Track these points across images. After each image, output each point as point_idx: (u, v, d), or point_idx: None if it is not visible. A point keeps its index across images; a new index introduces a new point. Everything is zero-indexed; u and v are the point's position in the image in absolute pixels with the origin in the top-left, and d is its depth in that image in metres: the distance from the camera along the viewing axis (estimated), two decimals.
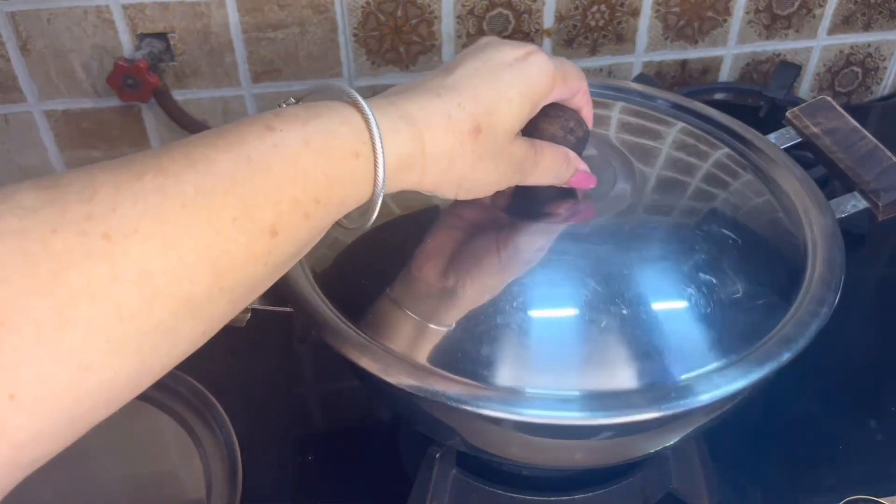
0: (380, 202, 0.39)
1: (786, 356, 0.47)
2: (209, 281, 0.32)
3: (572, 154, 0.49)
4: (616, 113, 0.65)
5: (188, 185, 0.32)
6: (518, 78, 0.44)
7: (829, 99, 0.65)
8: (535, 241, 0.49)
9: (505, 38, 0.48)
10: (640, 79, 0.94)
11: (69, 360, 0.29)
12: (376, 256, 0.53)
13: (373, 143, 0.37)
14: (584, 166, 0.50)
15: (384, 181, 0.38)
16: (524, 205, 0.50)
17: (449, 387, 0.45)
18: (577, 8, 0.91)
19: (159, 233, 0.31)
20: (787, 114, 0.65)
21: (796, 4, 0.96)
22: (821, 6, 0.97)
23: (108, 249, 0.29)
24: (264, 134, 0.35)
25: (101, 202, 0.30)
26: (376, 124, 0.37)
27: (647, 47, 0.96)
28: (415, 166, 0.40)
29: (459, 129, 0.41)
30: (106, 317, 0.29)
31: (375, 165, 0.37)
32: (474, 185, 0.44)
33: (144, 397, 0.69)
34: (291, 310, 0.53)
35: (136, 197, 0.31)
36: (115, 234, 0.30)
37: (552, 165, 0.47)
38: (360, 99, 0.38)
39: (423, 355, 0.47)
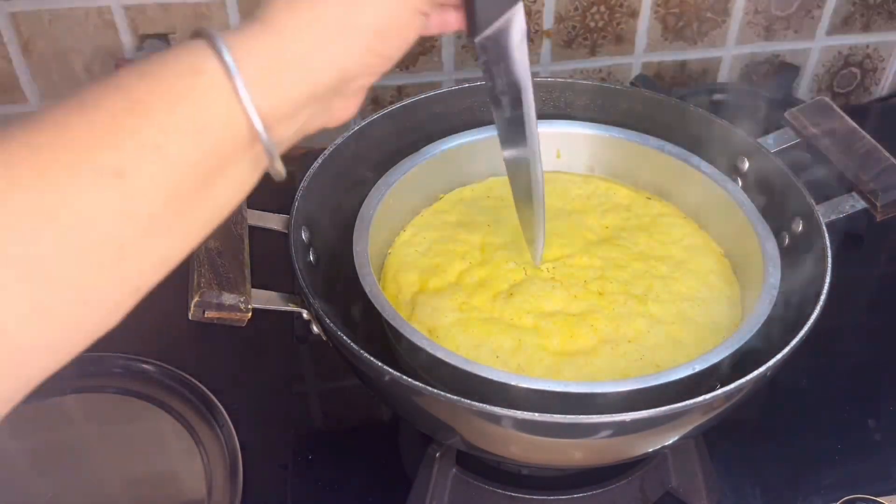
0: (271, 131, 0.35)
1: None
2: (55, 240, 0.30)
3: None
4: None
5: (15, 144, 0.30)
6: None
7: (828, 100, 0.65)
8: None
9: None
10: (640, 79, 0.94)
11: None
12: None
13: (217, 54, 0.33)
14: None
15: (246, 90, 0.33)
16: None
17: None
18: (576, 9, 0.91)
19: None
20: (786, 114, 0.65)
21: (795, 5, 0.97)
22: (819, 7, 0.97)
23: None
24: (102, 80, 0.33)
25: None
26: (218, 35, 0.34)
27: (646, 48, 0.96)
28: (285, 59, 0.35)
29: None
30: None
31: (230, 77, 0.33)
32: (380, 27, 0.37)
33: (145, 397, 0.69)
34: (292, 310, 0.54)
35: None
36: None
37: None
38: (208, 28, 0.34)
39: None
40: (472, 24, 0.43)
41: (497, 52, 0.45)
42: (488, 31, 0.44)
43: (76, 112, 0.31)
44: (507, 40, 0.45)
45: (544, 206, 0.56)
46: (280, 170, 0.37)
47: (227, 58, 0.33)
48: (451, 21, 0.43)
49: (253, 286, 0.51)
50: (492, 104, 0.49)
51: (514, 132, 0.51)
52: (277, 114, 0.35)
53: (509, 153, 0.53)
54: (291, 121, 0.37)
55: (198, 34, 0.34)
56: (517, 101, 0.49)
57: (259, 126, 0.34)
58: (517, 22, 0.45)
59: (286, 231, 0.57)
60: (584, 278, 0.60)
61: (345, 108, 0.41)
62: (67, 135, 0.31)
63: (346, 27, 0.36)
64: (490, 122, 0.69)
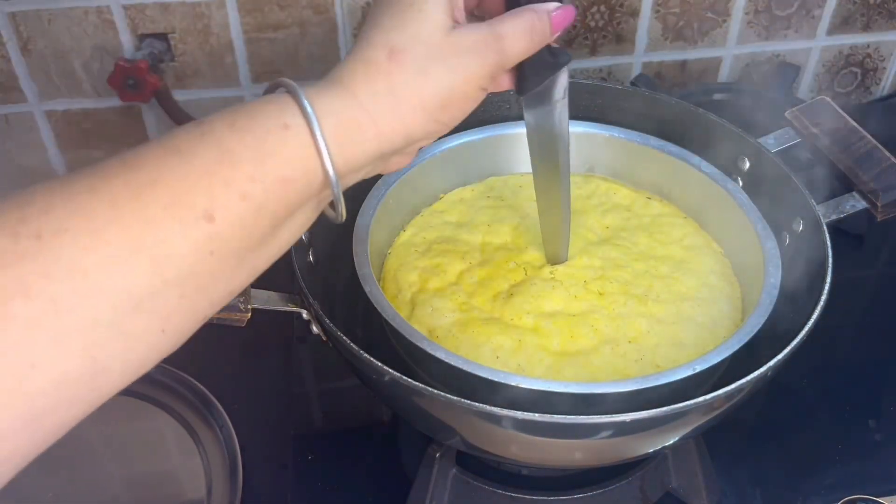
0: (340, 181, 0.38)
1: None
2: (147, 273, 0.33)
3: (537, 5, 0.44)
4: None
5: (117, 180, 0.33)
6: None
7: (829, 99, 0.65)
8: None
9: None
10: (640, 79, 0.94)
11: (13, 357, 0.30)
12: None
13: (303, 112, 0.37)
14: (553, 5, 0.44)
15: (326, 146, 0.37)
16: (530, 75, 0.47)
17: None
18: (576, 8, 0.91)
19: (88, 229, 0.31)
20: (787, 114, 0.65)
21: (795, 5, 0.96)
22: (820, 7, 0.97)
23: (39, 248, 0.30)
24: (193, 128, 0.36)
25: (34, 206, 0.31)
26: (302, 93, 0.37)
27: (646, 48, 0.96)
28: (360, 121, 0.38)
29: (376, 63, 0.39)
30: (43, 313, 0.30)
31: (312, 134, 0.37)
32: (442, 100, 0.40)
33: (145, 397, 0.69)
34: (291, 310, 0.53)
35: (67, 199, 0.32)
36: (45, 234, 0.31)
37: (519, 27, 0.43)
38: (290, 81, 0.38)
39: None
40: (522, 85, 0.47)
41: (540, 107, 0.50)
42: (535, 90, 0.48)
43: (173, 157, 0.34)
44: (550, 97, 0.50)
45: (569, 218, 0.59)
46: (343, 214, 0.40)
47: (315, 124, 0.37)
48: (503, 83, 0.47)
49: (253, 286, 0.51)
50: (530, 148, 0.54)
51: (548, 173, 0.56)
52: (348, 167, 0.39)
53: (541, 186, 0.57)
54: (358, 172, 0.41)
55: (279, 86, 0.38)
56: (554, 150, 0.53)
57: (334, 181, 0.38)
58: (561, 81, 0.49)
59: None
60: (585, 278, 0.60)
61: (400, 162, 0.44)
62: (165, 178, 0.34)
63: (415, 99, 0.40)
64: (490, 122, 0.69)
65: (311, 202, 0.39)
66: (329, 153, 0.37)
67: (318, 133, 0.37)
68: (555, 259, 0.61)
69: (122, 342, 0.33)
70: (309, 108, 0.37)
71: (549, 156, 0.54)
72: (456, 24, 0.41)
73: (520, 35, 0.43)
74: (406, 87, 0.39)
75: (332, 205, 0.40)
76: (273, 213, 0.37)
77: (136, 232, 0.32)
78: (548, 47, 0.46)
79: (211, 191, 0.34)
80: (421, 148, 0.44)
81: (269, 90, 0.39)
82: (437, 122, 0.41)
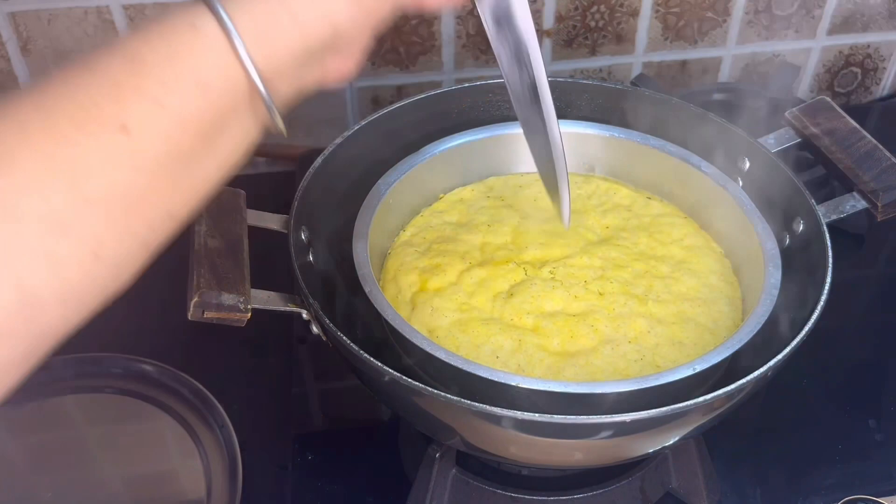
0: (270, 86, 0.36)
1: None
2: (66, 192, 0.32)
3: None
4: None
5: (26, 102, 0.32)
6: None
7: (829, 99, 0.65)
8: None
9: None
10: (640, 79, 0.94)
11: None
12: None
13: (211, 9, 0.35)
14: None
15: (240, 40, 0.35)
16: None
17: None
18: (576, 8, 0.91)
19: (2, 154, 0.31)
20: (787, 114, 0.65)
21: (796, 5, 0.96)
22: (820, 7, 0.97)
23: None
24: (104, 46, 0.35)
25: None
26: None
27: (646, 48, 0.96)
28: (276, 13, 0.36)
29: None
30: None
31: (224, 29, 0.35)
32: None
33: (145, 397, 0.69)
34: (291, 310, 0.53)
35: None
36: None
37: None
38: None
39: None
40: None
41: (498, 9, 0.46)
42: None
43: (81, 73, 0.33)
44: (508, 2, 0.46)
45: (566, 163, 0.54)
46: (281, 126, 0.38)
47: (224, 15, 0.35)
48: None
49: (252, 286, 0.51)
50: (500, 66, 0.49)
51: (526, 94, 0.50)
52: (274, 68, 0.36)
53: (524, 115, 0.52)
54: (288, 76, 0.38)
55: None
56: (525, 62, 0.48)
57: (257, 79, 0.36)
58: None
59: (286, 231, 0.57)
60: (585, 278, 0.60)
61: (340, 67, 0.41)
62: (74, 94, 0.32)
63: None
64: (490, 122, 0.69)
65: (244, 113, 0.37)
66: (245, 49, 0.35)
67: (228, 25, 0.35)
68: (560, 209, 0.57)
69: (51, 269, 0.32)
70: (220, 7, 0.35)
71: (521, 72, 0.49)
72: None
73: None
74: None
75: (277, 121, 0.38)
76: (198, 122, 0.35)
77: (48, 152, 0.31)
78: None
79: (122, 101, 0.33)
80: (356, 46, 0.41)
81: None
82: (363, 7, 0.39)
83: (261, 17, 0.36)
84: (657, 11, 0.93)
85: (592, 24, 0.93)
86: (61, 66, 0.34)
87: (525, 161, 0.71)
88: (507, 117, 0.71)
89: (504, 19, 0.46)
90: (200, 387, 0.68)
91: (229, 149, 0.37)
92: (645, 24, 0.94)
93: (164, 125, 0.34)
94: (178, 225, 0.37)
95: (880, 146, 0.62)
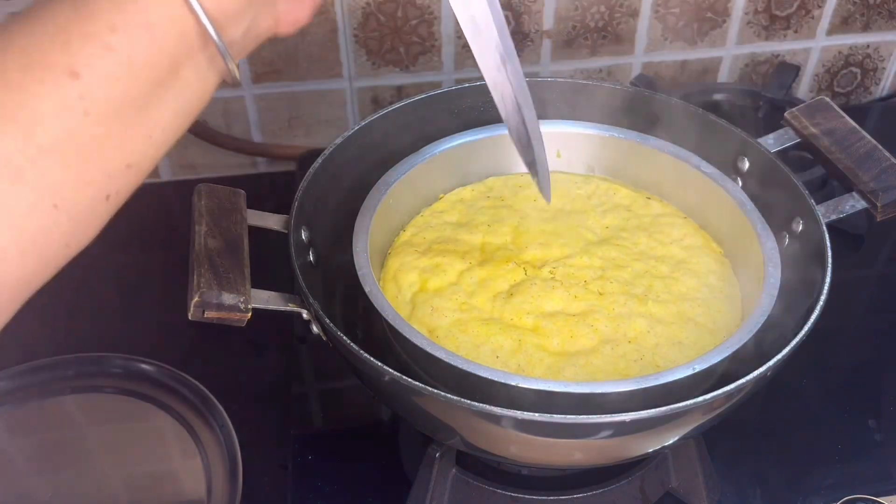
0: (222, 32, 0.36)
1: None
2: (18, 139, 0.31)
3: None
4: None
5: None
6: None
7: (828, 99, 0.65)
8: None
9: None
10: (640, 79, 0.94)
11: None
12: None
13: None
14: None
15: None
16: None
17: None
18: (576, 9, 0.91)
19: None
20: (786, 114, 0.65)
21: (795, 5, 0.96)
22: (819, 7, 0.97)
23: None
24: None
25: None
26: None
27: (646, 48, 0.96)
28: None
29: None
30: None
31: None
32: None
33: (145, 397, 0.69)
34: (291, 310, 0.53)
35: None
36: None
37: None
38: None
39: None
40: None
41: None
42: None
43: (28, 21, 0.33)
44: None
45: (539, 130, 0.51)
46: (234, 72, 0.38)
47: None
48: None
49: (253, 286, 0.51)
50: (469, 40, 0.45)
51: (493, 59, 0.47)
52: (223, 11, 0.36)
53: (493, 80, 0.48)
54: (238, 19, 0.37)
55: None
56: (486, 21, 0.44)
57: (206, 21, 0.35)
58: None
59: (286, 231, 0.57)
60: (584, 278, 0.60)
61: (292, 12, 0.41)
62: (21, 41, 0.32)
63: None
64: (490, 122, 0.69)
65: (198, 58, 0.37)
66: None
67: None
68: (540, 185, 0.54)
69: (6, 217, 0.31)
70: None
71: (486, 38, 0.45)
72: None
73: None
74: None
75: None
76: (148, 66, 0.34)
77: None
78: None
79: (69, 46, 0.33)
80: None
81: None
82: None
83: None
84: (657, 11, 0.93)
85: (592, 24, 0.93)
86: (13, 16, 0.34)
87: None
88: None
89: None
90: (200, 387, 0.68)
91: (185, 96, 0.37)
92: (645, 25, 0.94)
93: (113, 69, 0.33)
94: (140, 176, 0.36)
95: (880, 146, 0.62)
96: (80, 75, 0.32)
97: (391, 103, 0.68)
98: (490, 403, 0.45)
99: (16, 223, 0.32)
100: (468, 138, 0.68)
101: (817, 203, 0.59)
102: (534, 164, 0.53)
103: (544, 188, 0.55)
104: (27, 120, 0.31)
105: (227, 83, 0.39)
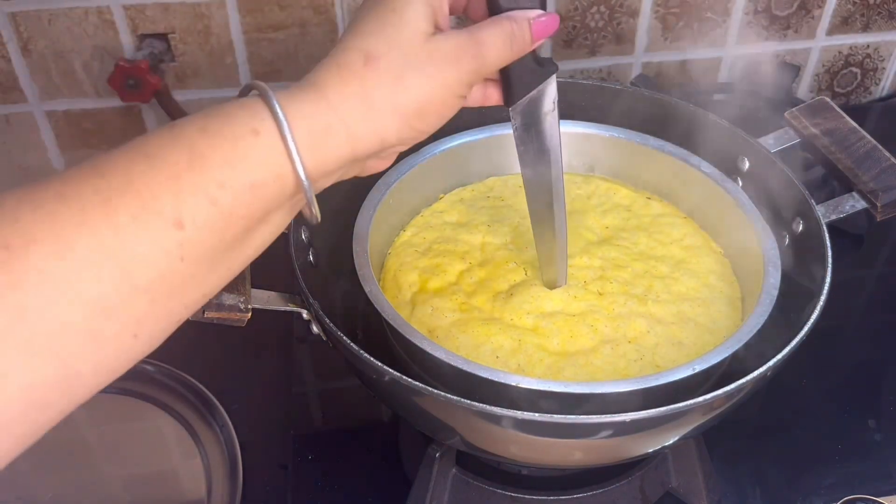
0: (314, 184, 0.38)
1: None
2: (117, 280, 0.33)
3: (517, 12, 0.43)
4: None
5: (86, 187, 0.33)
6: None
7: (828, 99, 0.65)
8: None
9: None
10: (640, 80, 0.94)
11: None
12: None
13: (273, 116, 0.36)
14: (535, 13, 0.44)
15: (297, 151, 0.37)
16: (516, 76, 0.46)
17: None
18: (576, 8, 0.91)
19: (57, 237, 0.32)
20: (786, 114, 0.65)
21: (795, 5, 0.96)
22: (820, 7, 0.97)
23: (7, 258, 0.31)
24: (165, 132, 0.36)
25: (2, 217, 0.32)
26: (274, 98, 0.37)
27: (646, 48, 0.96)
28: (332, 124, 0.38)
29: (350, 67, 0.39)
30: (11, 321, 0.30)
31: (283, 138, 0.36)
32: (419, 107, 0.40)
33: (145, 397, 0.69)
34: (291, 310, 0.53)
35: (35, 207, 0.32)
36: (14, 244, 0.31)
37: (498, 34, 0.42)
38: (262, 84, 0.38)
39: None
40: (509, 96, 0.47)
41: (529, 118, 0.49)
42: (523, 101, 0.47)
43: (143, 162, 0.34)
44: (538, 108, 0.48)
45: (566, 241, 0.56)
46: (318, 215, 0.40)
47: (285, 126, 0.36)
48: (491, 96, 0.48)
49: (253, 286, 0.51)
50: (521, 163, 0.51)
51: (540, 189, 0.53)
52: (321, 171, 0.39)
53: (535, 205, 0.54)
54: (332, 176, 0.40)
55: (252, 88, 0.38)
56: (546, 164, 0.51)
57: (305, 183, 0.38)
58: (549, 92, 0.48)
59: (286, 231, 0.57)
60: (584, 278, 0.60)
61: (377, 166, 0.44)
62: (134, 183, 0.34)
63: (390, 105, 0.39)
64: (490, 122, 0.69)
65: (285, 205, 0.39)
66: (300, 158, 0.37)
67: (288, 138, 0.36)
68: (551, 284, 0.58)
69: (93, 348, 0.33)
70: (280, 112, 0.36)
71: (541, 172, 0.52)
72: (438, 30, 0.41)
73: (498, 42, 0.43)
74: (380, 93, 0.39)
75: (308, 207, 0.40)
76: (245, 217, 0.36)
77: (105, 239, 0.32)
78: (534, 56, 0.45)
79: (179, 197, 0.34)
80: (401, 153, 0.44)
81: (242, 93, 0.39)
82: (413, 128, 0.41)
83: (317, 127, 0.38)
84: (657, 11, 0.93)
85: (592, 24, 0.93)
86: (123, 147, 0.35)
87: None
88: (507, 118, 0.70)
89: (533, 125, 0.49)
90: (200, 387, 0.68)
91: (265, 237, 0.39)
92: (645, 25, 0.94)
93: (215, 221, 0.35)
94: (207, 299, 0.39)
95: (880, 146, 0.62)
96: (184, 226, 0.34)
97: None
98: (490, 403, 0.45)
99: (97, 352, 0.33)
100: (468, 138, 0.68)
101: (817, 203, 0.59)
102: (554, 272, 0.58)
103: (561, 275, 0.58)
104: (128, 261, 0.33)
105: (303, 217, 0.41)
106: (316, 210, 0.39)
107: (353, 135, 0.39)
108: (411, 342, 0.51)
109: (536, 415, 0.45)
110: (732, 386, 0.47)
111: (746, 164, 0.65)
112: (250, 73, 0.89)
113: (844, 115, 0.64)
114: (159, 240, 0.34)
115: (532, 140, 0.50)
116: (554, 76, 0.48)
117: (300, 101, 0.38)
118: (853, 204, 0.60)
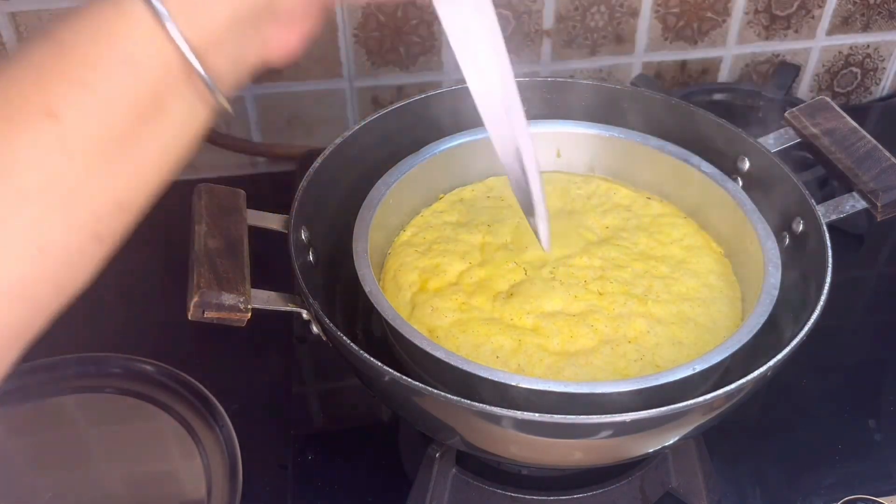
0: (205, 60, 0.35)
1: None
2: (3, 187, 0.31)
3: None
4: None
5: None
6: None
7: (828, 99, 0.65)
8: None
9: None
10: (640, 80, 0.94)
11: None
12: None
13: None
14: None
15: (168, 16, 0.33)
16: None
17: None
18: (576, 8, 0.91)
19: None
20: (786, 114, 0.65)
21: (795, 5, 0.96)
22: (820, 7, 0.97)
23: None
24: (33, 38, 0.34)
25: None
26: None
27: (646, 48, 0.96)
28: None
29: None
30: None
31: (152, 8, 0.33)
32: None
33: (145, 397, 0.69)
34: (291, 310, 0.53)
35: None
36: None
37: None
38: None
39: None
40: None
41: (457, 5, 0.43)
42: None
43: (8, 65, 0.33)
44: None
45: (537, 170, 0.51)
46: (225, 104, 0.37)
47: None
48: None
49: (253, 286, 0.51)
50: (463, 72, 0.45)
51: (491, 97, 0.47)
52: (206, 40, 0.35)
53: (493, 126, 0.49)
54: (224, 48, 0.36)
55: None
56: (489, 63, 0.45)
57: (188, 52, 0.34)
58: None
59: (286, 231, 0.57)
60: (584, 278, 0.60)
61: (282, 39, 0.39)
62: (3, 89, 0.32)
63: None
64: None
65: (184, 92, 0.36)
66: (172, 22, 0.33)
67: (157, 4, 0.33)
68: (539, 235, 0.54)
69: None
70: None
71: (487, 77, 0.45)
72: None
73: None
74: None
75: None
76: (131, 103, 0.34)
77: None
78: None
79: (47, 87, 0.32)
80: (297, 14, 0.38)
81: None
82: None
83: None
84: (657, 11, 0.93)
85: (592, 24, 0.93)
86: None
87: None
88: None
89: (461, 14, 0.43)
90: (200, 387, 0.68)
91: (174, 130, 0.36)
92: (645, 25, 0.94)
93: (94, 108, 0.33)
94: (132, 215, 0.36)
95: (880, 146, 0.62)
96: (59, 116, 0.32)
97: (391, 103, 0.68)
98: (490, 403, 0.45)
99: (2, 271, 0.31)
100: (468, 138, 0.68)
101: (817, 203, 0.59)
102: (532, 209, 0.52)
103: (543, 235, 0.54)
104: (6, 165, 0.31)
105: (220, 115, 0.38)
106: (222, 98, 0.37)
107: None
108: (411, 342, 0.51)
109: (536, 415, 0.45)
110: (732, 386, 0.47)
111: (746, 164, 0.65)
112: None
113: (844, 115, 0.64)
114: (34, 137, 0.32)
115: (467, 34, 0.43)
116: None
117: None
118: (853, 204, 0.60)
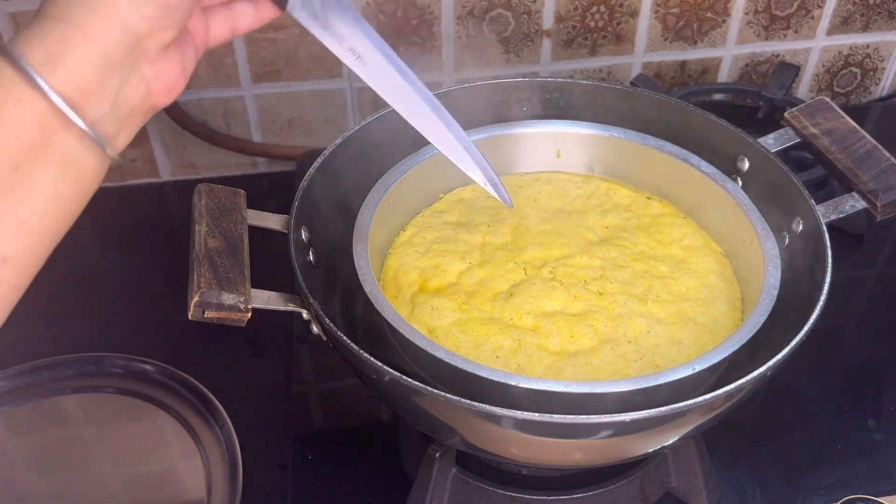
0: (91, 109, 0.35)
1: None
2: None
3: None
4: None
5: None
6: None
7: (828, 99, 0.65)
8: None
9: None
10: (640, 80, 0.94)
11: None
12: None
13: (3, 53, 0.34)
14: None
15: (35, 72, 0.34)
16: None
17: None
18: (576, 9, 0.91)
19: None
20: (786, 114, 0.65)
21: (795, 5, 0.97)
22: (819, 7, 0.97)
23: None
24: None
25: None
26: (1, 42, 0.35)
27: (646, 48, 0.96)
28: (67, 35, 0.35)
29: None
30: None
31: (18, 64, 0.34)
32: None
33: (145, 397, 0.69)
34: (291, 310, 0.53)
35: None
36: None
37: None
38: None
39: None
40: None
41: (320, 12, 0.45)
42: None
43: None
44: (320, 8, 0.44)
45: (465, 137, 0.53)
46: (113, 154, 0.37)
47: (14, 51, 0.34)
48: (266, 9, 0.45)
49: (253, 286, 0.51)
50: (350, 65, 0.47)
51: (387, 80, 0.49)
52: (79, 88, 0.35)
53: (398, 102, 0.51)
54: (100, 94, 0.36)
55: None
56: (366, 44, 0.47)
57: (59, 103, 0.35)
58: None
59: (286, 231, 0.57)
60: (584, 278, 0.60)
61: (161, 75, 0.39)
62: None
63: None
64: (490, 122, 0.69)
65: (63, 138, 0.36)
66: (37, 74, 0.34)
67: (14, 55, 0.34)
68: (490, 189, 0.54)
69: None
70: (9, 47, 0.34)
71: (381, 68, 0.48)
72: None
73: None
74: None
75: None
76: (4, 157, 0.34)
77: None
78: None
79: None
80: (168, 46, 0.38)
81: None
82: (150, 4, 0.36)
83: (52, 45, 0.35)
84: (657, 11, 0.93)
85: (592, 24, 0.93)
86: None
87: (525, 161, 0.71)
88: (507, 117, 0.71)
89: (327, 19, 0.46)
90: (200, 387, 0.68)
91: (61, 180, 0.36)
92: (645, 25, 0.94)
93: None
94: (20, 269, 0.36)
95: (879, 146, 0.62)
96: None
97: None
98: (490, 403, 0.45)
99: None
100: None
101: (817, 203, 0.59)
102: (480, 174, 0.53)
103: (497, 195, 0.54)
104: None
105: (116, 163, 0.38)
106: (107, 146, 0.37)
107: (88, 33, 0.35)
108: (411, 342, 0.51)
109: (536, 415, 0.45)
110: (732, 386, 0.47)
111: (746, 164, 0.65)
112: (250, 72, 0.89)
113: (844, 115, 0.64)
114: None
115: (342, 36, 0.46)
116: None
117: (26, 32, 0.36)
118: (853, 204, 0.60)
